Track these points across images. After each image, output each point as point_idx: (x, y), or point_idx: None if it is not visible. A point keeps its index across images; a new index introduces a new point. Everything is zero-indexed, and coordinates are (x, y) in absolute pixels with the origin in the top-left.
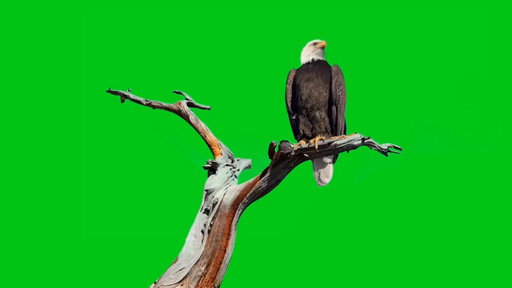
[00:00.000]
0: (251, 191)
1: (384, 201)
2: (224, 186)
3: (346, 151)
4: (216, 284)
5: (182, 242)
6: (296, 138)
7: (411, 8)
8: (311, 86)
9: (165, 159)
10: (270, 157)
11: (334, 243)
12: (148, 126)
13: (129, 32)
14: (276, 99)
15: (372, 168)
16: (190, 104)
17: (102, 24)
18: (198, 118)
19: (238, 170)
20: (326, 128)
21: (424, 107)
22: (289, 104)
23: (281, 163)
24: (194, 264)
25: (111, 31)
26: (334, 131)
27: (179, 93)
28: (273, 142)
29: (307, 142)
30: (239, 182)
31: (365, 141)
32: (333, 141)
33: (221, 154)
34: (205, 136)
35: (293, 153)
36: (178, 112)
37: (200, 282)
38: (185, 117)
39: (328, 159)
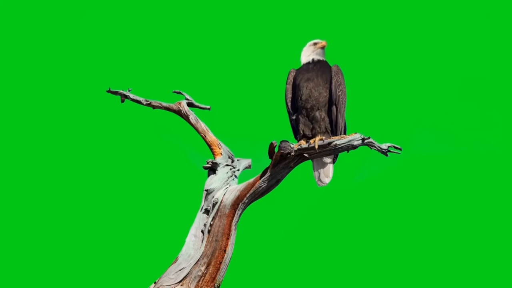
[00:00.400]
0: (251, 191)
1: (384, 201)
2: (224, 186)
3: (346, 151)
4: (216, 284)
5: (182, 242)
6: (296, 138)
7: (411, 8)
8: (311, 86)
9: (165, 159)
10: (270, 157)
11: (334, 243)
12: (148, 126)
13: (129, 32)
14: (276, 99)
15: (372, 168)
16: (190, 104)
17: (102, 24)
18: (198, 118)
19: (238, 170)
20: (326, 128)
21: (424, 107)
22: (289, 104)
23: (281, 163)
24: (194, 264)
25: (111, 31)
26: (334, 131)
27: (179, 93)
28: (273, 142)
29: (307, 142)
30: (239, 182)
31: (365, 141)
32: (333, 141)
33: (221, 154)
34: (205, 136)
35: (293, 153)
36: (178, 112)
37: (200, 282)
38: (185, 117)
39: (328, 159)
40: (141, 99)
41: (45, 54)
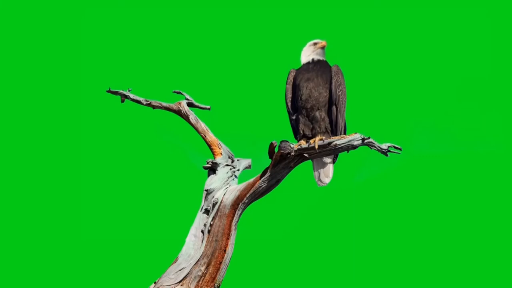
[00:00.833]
0: (251, 191)
1: (384, 201)
2: (224, 186)
3: (346, 151)
4: (216, 284)
5: (182, 242)
6: (296, 138)
7: (411, 8)
8: (311, 86)
9: (165, 159)
10: (270, 157)
11: (334, 243)
12: (148, 126)
13: (129, 32)
14: (276, 99)
15: (372, 168)
16: (190, 104)
17: (102, 24)
18: (198, 118)
19: (238, 170)
20: (326, 128)
21: (424, 107)
22: (289, 104)
23: (281, 163)
24: (194, 264)
25: (111, 31)
26: (334, 131)
27: (179, 93)
28: (273, 142)
29: (307, 142)
30: (239, 182)
31: (365, 141)
32: (333, 141)
33: (221, 154)
34: (205, 136)
35: (293, 153)
36: (178, 112)
37: (200, 282)
38: (185, 117)
39: (328, 159)
40: (141, 99)
41: (45, 54)
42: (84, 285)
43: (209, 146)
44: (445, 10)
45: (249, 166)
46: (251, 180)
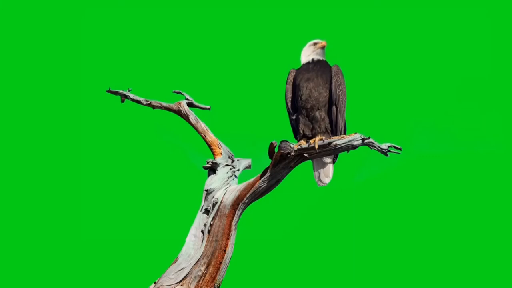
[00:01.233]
0: (251, 191)
1: (384, 201)
2: (224, 186)
3: (346, 151)
4: (216, 284)
5: (182, 242)
6: (296, 138)
7: (411, 8)
8: (311, 86)
9: (165, 159)
10: (270, 157)
11: (334, 243)
12: (148, 126)
13: (129, 32)
14: (276, 99)
15: (372, 168)
16: (190, 104)
17: (102, 24)
18: (198, 118)
19: (238, 170)
20: (326, 128)
21: (424, 107)
22: (289, 104)
23: (281, 163)
24: (194, 264)
25: (111, 31)
26: (334, 131)
27: (179, 93)
28: (273, 142)
29: (307, 142)
30: (239, 182)
31: (365, 141)
32: (333, 141)
33: (221, 154)
34: (205, 136)
35: (293, 153)
36: (178, 112)
37: (200, 282)
38: (185, 117)
39: (328, 159)
40: (141, 99)
41: (46, 54)
42: (84, 285)
43: (209, 146)
44: (445, 10)
45: (249, 166)
46: (251, 180)
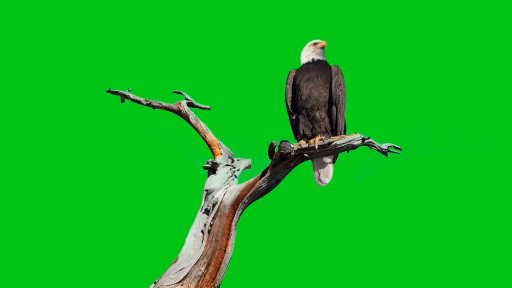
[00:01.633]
0: (251, 191)
1: (384, 201)
2: (224, 186)
3: (346, 151)
4: (216, 284)
5: (182, 242)
6: (296, 138)
7: (411, 8)
8: (311, 86)
9: (165, 159)
10: (270, 157)
11: (334, 243)
12: (148, 126)
13: (129, 32)
14: (276, 99)
15: (372, 168)
16: (190, 104)
17: (102, 24)
18: (198, 118)
19: (238, 170)
20: (326, 128)
21: (424, 107)
22: (289, 104)
23: (281, 163)
24: (194, 264)
25: (111, 31)
26: (334, 131)
27: (179, 93)
28: (273, 142)
29: (307, 142)
30: (239, 182)
31: (365, 141)
32: (333, 141)
33: (221, 154)
34: (205, 136)
35: (293, 153)
36: (178, 112)
37: (200, 282)
38: (185, 117)
39: (328, 159)
40: (141, 99)
41: (46, 54)
42: (84, 285)
43: (209, 146)
44: (445, 10)
45: (249, 166)
46: (251, 180)
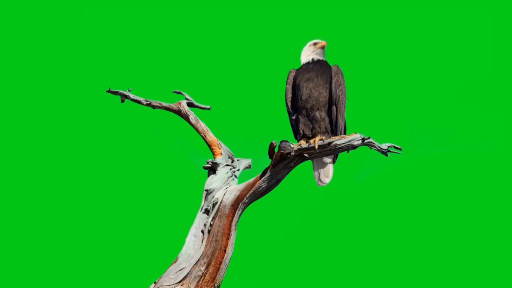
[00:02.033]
0: (251, 191)
1: (384, 201)
2: (224, 186)
3: (346, 151)
4: (216, 284)
5: (182, 242)
6: (296, 138)
7: (411, 8)
8: (311, 86)
9: (165, 159)
10: (270, 157)
11: (334, 243)
12: (148, 126)
13: (129, 32)
14: (276, 99)
15: (372, 168)
16: (190, 104)
17: (102, 24)
18: (198, 118)
19: (238, 170)
20: (326, 128)
21: (424, 107)
22: (289, 104)
23: (281, 163)
24: (194, 264)
25: (111, 31)
26: (334, 131)
27: (179, 93)
28: (273, 142)
29: (307, 142)
30: (239, 182)
31: (365, 141)
32: (333, 141)
33: (221, 154)
34: (205, 136)
35: (293, 153)
36: (178, 112)
37: (200, 282)
38: (185, 117)
39: (328, 159)
40: (141, 99)
41: (46, 54)
42: (85, 285)
43: (209, 146)
44: (445, 10)
45: (249, 166)
46: (251, 180)
